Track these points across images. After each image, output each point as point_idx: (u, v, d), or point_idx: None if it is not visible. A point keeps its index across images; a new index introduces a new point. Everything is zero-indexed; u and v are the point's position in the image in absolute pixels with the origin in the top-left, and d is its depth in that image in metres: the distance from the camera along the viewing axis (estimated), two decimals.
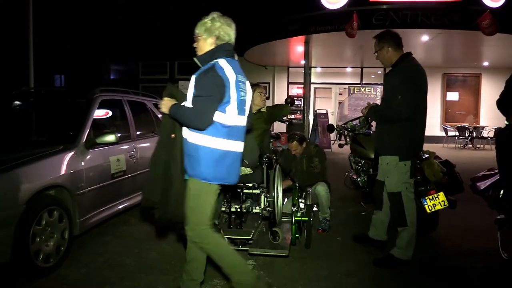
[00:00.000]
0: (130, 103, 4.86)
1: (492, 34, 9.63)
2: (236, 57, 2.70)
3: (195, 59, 2.63)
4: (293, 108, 15.51)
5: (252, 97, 3.63)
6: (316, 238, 3.97)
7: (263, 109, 3.90)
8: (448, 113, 16.38)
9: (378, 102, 3.62)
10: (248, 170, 3.32)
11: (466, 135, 14.35)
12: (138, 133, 4.81)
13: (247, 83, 2.68)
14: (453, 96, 16.36)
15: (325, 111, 13.89)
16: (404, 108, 3.16)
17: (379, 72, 15.69)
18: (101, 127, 4.19)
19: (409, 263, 3.43)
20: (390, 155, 3.35)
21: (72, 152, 3.57)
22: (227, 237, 3.39)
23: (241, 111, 2.55)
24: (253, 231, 3.46)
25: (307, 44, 12.20)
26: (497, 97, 3.46)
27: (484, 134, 14.50)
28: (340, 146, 5.41)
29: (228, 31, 2.60)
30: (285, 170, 4.34)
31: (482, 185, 3.94)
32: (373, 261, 3.47)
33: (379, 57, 3.51)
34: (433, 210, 3.84)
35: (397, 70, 3.36)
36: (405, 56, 3.41)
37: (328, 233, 4.27)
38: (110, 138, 3.83)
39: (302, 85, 13.65)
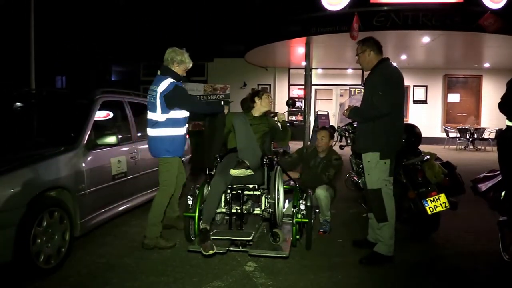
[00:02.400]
0: (131, 104, 4.86)
1: (497, 31, 9.60)
2: (158, 73, 3.87)
3: None
4: (294, 109, 15.53)
5: (261, 99, 3.74)
6: (316, 240, 3.97)
7: (277, 117, 4.05)
8: (449, 115, 16.37)
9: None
10: (249, 172, 3.32)
11: (467, 136, 14.33)
12: (139, 134, 4.81)
13: (154, 88, 3.75)
14: (454, 97, 16.34)
15: (326, 113, 13.90)
16: (384, 104, 3.31)
17: None
18: (102, 128, 4.19)
19: (393, 259, 3.48)
20: (372, 151, 3.46)
21: (73, 154, 3.57)
22: (227, 238, 3.40)
23: (148, 109, 3.85)
24: (253, 232, 3.45)
25: (308, 45, 12.20)
26: (499, 98, 3.47)
27: (485, 135, 14.48)
28: (341, 147, 5.40)
29: None
30: (288, 163, 4.35)
31: (483, 186, 3.94)
32: (359, 260, 3.51)
33: (360, 60, 3.67)
34: (434, 211, 3.83)
35: (377, 71, 3.52)
36: (383, 60, 3.58)
37: (329, 234, 4.27)
38: (111, 139, 3.83)
39: (303, 87, 13.64)
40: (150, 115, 3.79)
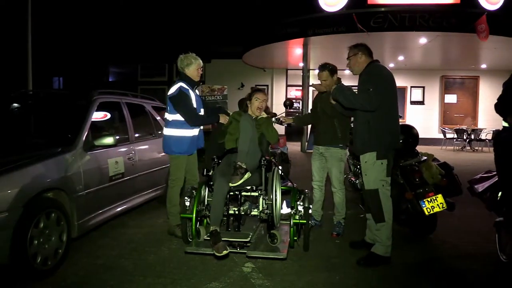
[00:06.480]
0: (128, 105, 4.86)
1: (484, 40, 9.69)
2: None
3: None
4: (292, 110, 15.53)
5: (250, 101, 3.92)
6: (314, 241, 3.97)
7: (264, 116, 3.98)
8: (446, 115, 16.42)
9: None
10: (246, 176, 3.33)
11: (464, 137, 14.38)
12: (136, 135, 4.80)
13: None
14: (451, 98, 16.39)
15: None
16: (375, 98, 3.29)
17: None
18: (99, 129, 4.19)
19: (390, 260, 3.49)
20: (369, 152, 3.47)
21: (70, 155, 3.56)
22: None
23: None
24: (251, 233, 3.44)
25: (305, 46, 12.22)
26: (495, 99, 3.49)
27: (482, 136, 14.52)
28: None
29: None
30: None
31: (480, 187, 3.95)
32: (357, 261, 3.52)
33: (351, 63, 3.70)
34: (431, 212, 3.84)
35: (368, 70, 3.55)
36: (372, 61, 3.60)
37: (327, 235, 4.27)
38: (109, 140, 3.83)
39: (301, 87, 13.66)
40: (165, 115, 4.21)
